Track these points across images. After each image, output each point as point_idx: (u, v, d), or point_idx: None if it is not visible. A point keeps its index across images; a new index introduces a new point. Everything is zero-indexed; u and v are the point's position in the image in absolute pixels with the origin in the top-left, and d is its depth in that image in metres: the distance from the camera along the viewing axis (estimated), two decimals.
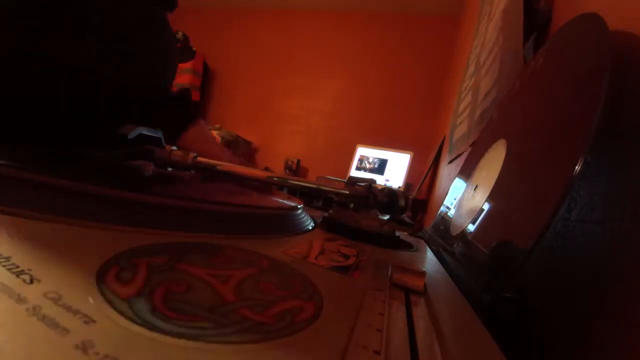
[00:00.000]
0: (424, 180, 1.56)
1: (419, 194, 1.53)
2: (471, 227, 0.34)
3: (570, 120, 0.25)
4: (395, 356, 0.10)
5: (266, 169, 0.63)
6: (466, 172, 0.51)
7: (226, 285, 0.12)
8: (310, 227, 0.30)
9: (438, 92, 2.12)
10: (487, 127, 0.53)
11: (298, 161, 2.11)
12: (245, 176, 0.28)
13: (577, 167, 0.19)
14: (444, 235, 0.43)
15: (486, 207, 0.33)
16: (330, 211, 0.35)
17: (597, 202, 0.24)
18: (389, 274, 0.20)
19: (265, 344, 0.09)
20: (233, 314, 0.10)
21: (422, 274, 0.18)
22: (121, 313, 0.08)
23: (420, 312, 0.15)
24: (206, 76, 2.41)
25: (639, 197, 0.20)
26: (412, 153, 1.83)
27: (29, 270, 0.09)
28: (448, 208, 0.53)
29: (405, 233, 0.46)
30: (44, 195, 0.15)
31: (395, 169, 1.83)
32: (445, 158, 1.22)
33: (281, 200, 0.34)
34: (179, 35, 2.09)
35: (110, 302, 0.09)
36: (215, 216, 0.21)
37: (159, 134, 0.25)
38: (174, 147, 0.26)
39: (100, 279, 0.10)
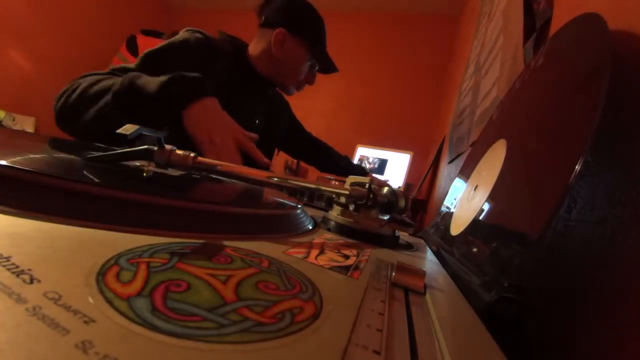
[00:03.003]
0: (424, 180, 1.56)
1: (419, 194, 1.53)
2: (471, 227, 0.34)
3: (570, 120, 0.25)
4: (395, 356, 0.10)
5: None
6: (466, 172, 0.51)
7: (226, 285, 0.12)
8: (310, 227, 0.30)
9: (438, 92, 2.12)
10: (487, 127, 0.53)
11: (298, 161, 2.11)
12: (245, 176, 0.27)
13: (577, 167, 0.19)
14: (444, 235, 0.43)
15: (486, 207, 0.33)
16: (330, 211, 0.35)
17: (597, 202, 0.24)
18: (389, 274, 0.20)
19: (265, 344, 0.09)
20: (233, 314, 0.10)
21: (422, 274, 0.18)
22: (121, 313, 0.08)
23: (420, 312, 0.15)
24: None
25: (639, 197, 0.20)
26: (412, 153, 1.83)
27: (29, 270, 0.09)
28: (448, 208, 0.53)
29: (405, 233, 0.46)
30: (44, 196, 0.15)
31: (395, 169, 1.83)
32: (445, 158, 1.22)
33: (281, 200, 0.34)
34: None
35: (110, 302, 0.09)
36: (216, 216, 0.21)
37: (158, 134, 0.25)
38: (174, 147, 0.26)
39: (100, 279, 0.10)
